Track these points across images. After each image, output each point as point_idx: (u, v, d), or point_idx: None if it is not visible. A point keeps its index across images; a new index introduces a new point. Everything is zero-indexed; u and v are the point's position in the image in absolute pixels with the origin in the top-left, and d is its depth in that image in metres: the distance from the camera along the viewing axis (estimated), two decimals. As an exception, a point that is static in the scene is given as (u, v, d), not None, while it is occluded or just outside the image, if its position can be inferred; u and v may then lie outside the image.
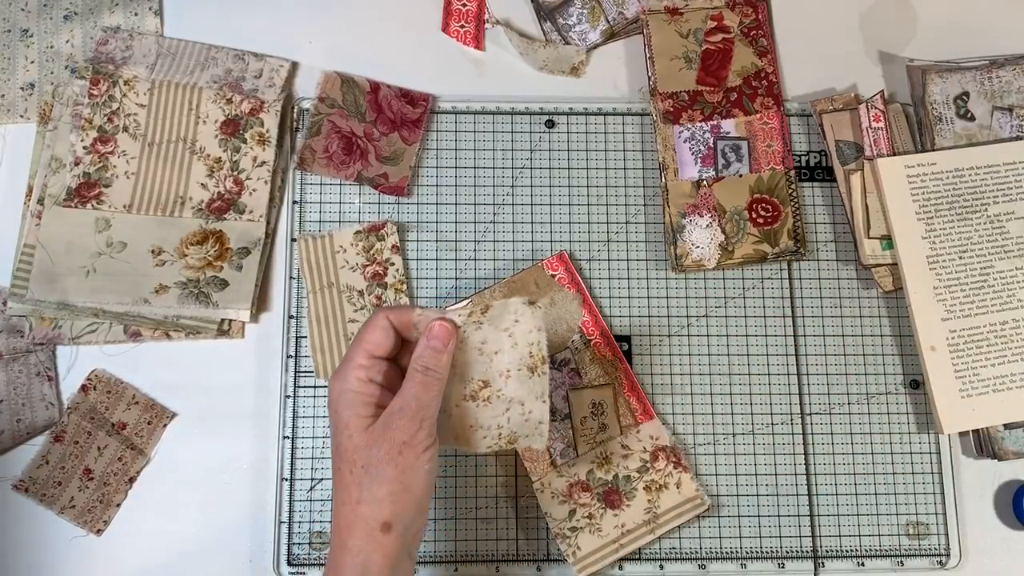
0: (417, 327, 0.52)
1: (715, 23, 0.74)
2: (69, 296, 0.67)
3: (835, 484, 0.68)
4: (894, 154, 0.71)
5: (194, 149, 0.71)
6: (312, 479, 0.67)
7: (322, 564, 0.65)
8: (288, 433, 0.67)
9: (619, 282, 0.71)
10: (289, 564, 0.65)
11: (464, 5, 0.76)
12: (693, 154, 0.72)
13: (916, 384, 0.70)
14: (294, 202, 0.71)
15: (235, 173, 0.71)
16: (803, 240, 0.71)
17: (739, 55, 0.74)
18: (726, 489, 0.67)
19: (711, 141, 0.72)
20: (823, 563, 0.67)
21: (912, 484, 0.68)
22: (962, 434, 0.69)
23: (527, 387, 0.53)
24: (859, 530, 0.67)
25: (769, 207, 0.71)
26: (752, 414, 0.69)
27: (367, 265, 0.69)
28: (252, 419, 0.68)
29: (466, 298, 0.69)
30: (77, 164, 0.69)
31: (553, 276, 0.70)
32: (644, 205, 0.72)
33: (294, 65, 0.74)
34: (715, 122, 0.73)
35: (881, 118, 0.72)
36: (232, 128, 0.71)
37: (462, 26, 0.76)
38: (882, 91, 0.73)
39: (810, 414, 0.69)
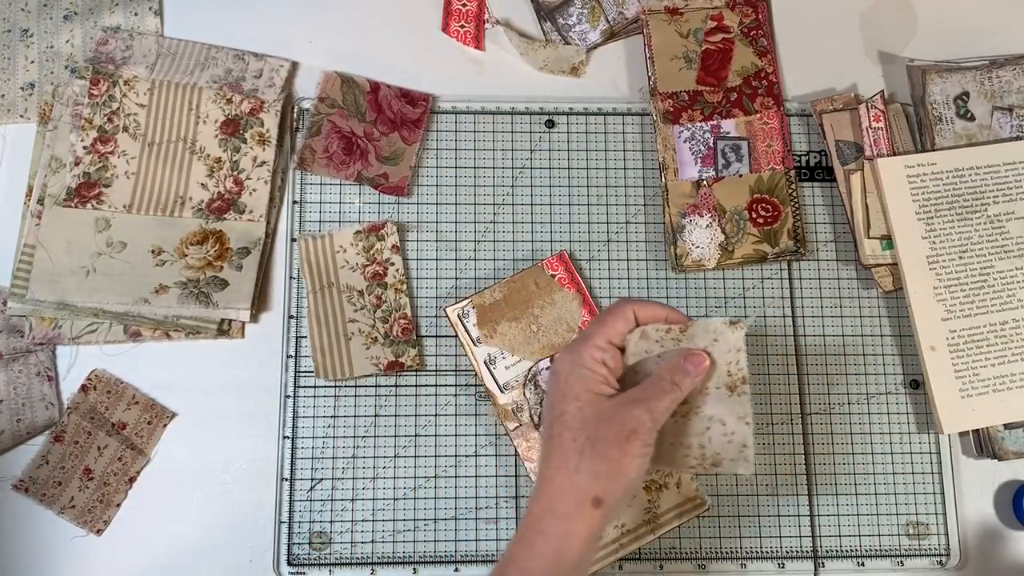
0: (647, 337, 0.53)
1: (715, 23, 0.74)
2: (69, 296, 0.67)
3: (835, 484, 0.68)
4: (894, 154, 0.71)
5: (194, 149, 0.71)
6: (312, 479, 0.67)
7: (322, 564, 0.65)
8: (288, 433, 0.67)
9: (619, 282, 0.71)
10: (289, 564, 0.65)
11: (464, 5, 0.76)
12: (693, 154, 0.72)
13: (916, 384, 0.70)
14: (294, 202, 0.71)
15: (235, 173, 0.71)
16: (803, 240, 0.71)
17: (739, 55, 0.74)
18: (726, 489, 0.67)
19: (711, 141, 0.72)
20: (823, 563, 0.67)
21: (912, 484, 0.68)
22: (962, 434, 0.69)
23: (726, 406, 0.52)
24: (859, 530, 0.67)
25: (769, 207, 0.71)
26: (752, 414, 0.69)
27: (367, 265, 0.69)
28: (252, 419, 0.68)
29: (466, 298, 0.69)
30: (77, 164, 0.69)
31: (553, 276, 0.70)
32: (644, 205, 0.72)
33: (294, 65, 0.74)
34: (715, 122, 0.73)
35: (881, 118, 0.72)
36: (232, 128, 0.71)
37: (462, 26, 0.76)
38: (882, 91, 0.73)
39: (810, 414, 0.69)
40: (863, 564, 0.67)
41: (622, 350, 0.54)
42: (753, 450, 0.52)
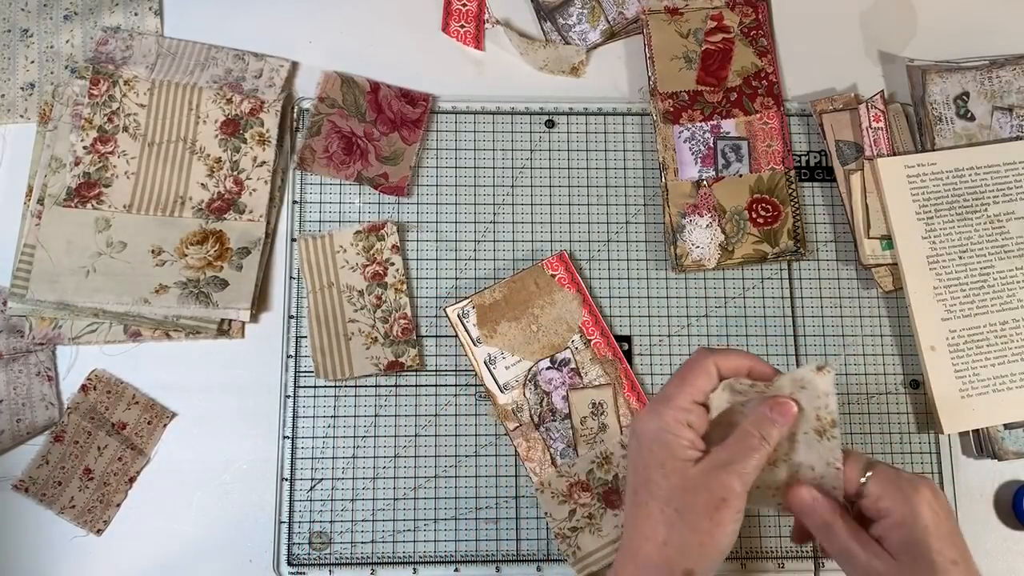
0: (732, 390, 0.51)
1: (715, 23, 0.74)
2: (69, 296, 0.67)
3: (835, 484, 0.68)
4: (894, 154, 0.71)
5: (194, 149, 0.71)
6: (312, 479, 0.67)
7: (322, 564, 0.65)
8: (288, 433, 0.67)
9: (619, 282, 0.71)
10: (289, 564, 0.65)
11: (464, 5, 0.76)
12: (693, 154, 0.72)
13: (916, 384, 0.70)
14: (294, 202, 0.71)
15: (235, 173, 0.71)
16: (803, 240, 0.71)
17: (739, 55, 0.74)
18: (726, 489, 0.67)
19: (711, 141, 0.72)
20: (823, 563, 0.67)
21: (912, 484, 0.68)
22: (962, 434, 0.69)
23: (816, 451, 0.50)
24: (859, 530, 0.67)
25: (769, 207, 0.71)
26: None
27: (367, 265, 0.69)
28: (252, 419, 0.68)
29: (466, 298, 0.69)
30: (77, 164, 0.69)
31: (553, 276, 0.70)
32: (644, 205, 0.72)
33: (294, 65, 0.74)
34: (715, 122, 0.73)
35: (881, 118, 0.72)
36: (232, 128, 0.71)
37: (462, 26, 0.76)
38: (882, 91, 0.73)
39: (810, 414, 0.69)
40: (863, 564, 0.67)
41: (706, 406, 0.51)
42: (842, 492, 0.50)
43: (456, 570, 0.66)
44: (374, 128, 0.72)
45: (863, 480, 0.49)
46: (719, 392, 0.51)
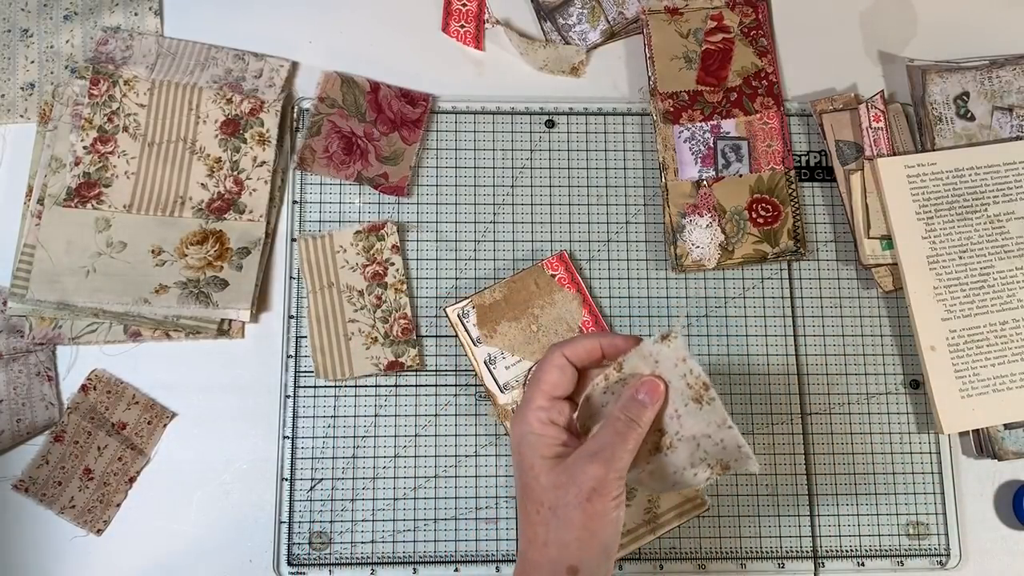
0: (594, 382, 0.50)
1: (715, 23, 0.74)
2: (69, 296, 0.67)
3: (835, 484, 0.68)
4: (894, 154, 0.71)
5: (194, 149, 0.71)
6: (312, 479, 0.67)
7: (322, 564, 0.65)
8: (288, 433, 0.67)
9: (619, 282, 0.71)
10: (289, 564, 0.65)
11: (464, 5, 0.76)
12: (693, 154, 0.72)
13: (916, 384, 0.70)
14: (294, 202, 0.71)
15: (235, 173, 0.71)
16: (803, 240, 0.71)
17: (739, 55, 0.74)
18: (726, 489, 0.67)
19: (711, 141, 0.72)
20: (823, 563, 0.67)
21: (912, 484, 0.68)
22: (962, 434, 0.69)
23: (702, 419, 0.49)
24: (859, 530, 0.67)
25: (769, 207, 0.71)
26: (752, 414, 0.69)
27: (367, 265, 0.69)
28: (252, 419, 0.68)
29: (466, 298, 0.69)
30: (77, 164, 0.69)
31: (553, 276, 0.70)
32: (644, 205, 0.72)
33: (294, 65, 0.74)
34: (715, 122, 0.73)
35: (881, 118, 0.72)
36: (232, 128, 0.71)
37: (462, 26, 0.76)
38: (882, 91, 0.73)
39: (810, 414, 0.69)
40: (863, 564, 0.67)
41: (572, 400, 0.51)
42: (749, 447, 0.49)
43: (456, 570, 0.66)
44: (374, 128, 0.72)
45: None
46: (597, 385, 0.50)
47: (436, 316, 0.70)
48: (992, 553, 0.68)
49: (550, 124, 0.74)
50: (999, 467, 0.69)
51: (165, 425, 0.67)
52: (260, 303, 0.70)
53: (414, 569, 0.66)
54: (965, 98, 0.73)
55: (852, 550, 0.67)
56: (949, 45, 0.76)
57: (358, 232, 0.70)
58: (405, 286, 0.69)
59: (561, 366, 0.50)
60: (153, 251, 0.69)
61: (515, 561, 0.65)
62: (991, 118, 0.72)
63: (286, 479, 0.67)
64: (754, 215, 0.71)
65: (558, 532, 0.47)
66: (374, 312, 0.69)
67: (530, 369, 0.68)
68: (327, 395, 0.68)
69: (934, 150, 0.72)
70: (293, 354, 0.68)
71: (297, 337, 0.69)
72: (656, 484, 0.52)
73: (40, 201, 0.69)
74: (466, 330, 0.68)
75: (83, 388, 0.67)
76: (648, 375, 0.49)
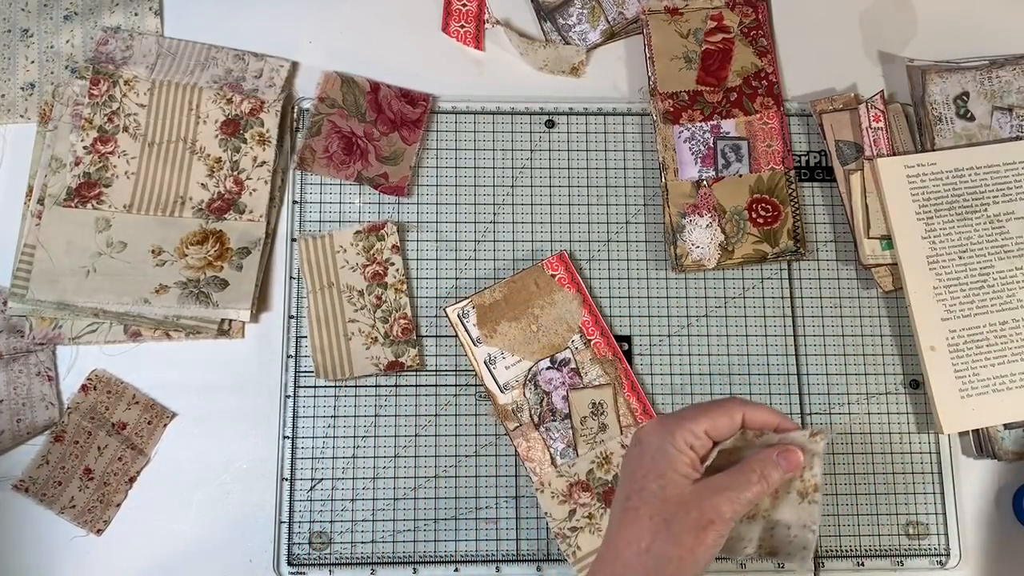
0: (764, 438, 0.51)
1: (715, 23, 0.74)
2: (69, 296, 0.67)
3: (835, 484, 0.68)
4: (894, 154, 0.71)
5: (194, 149, 0.71)
6: (312, 479, 0.67)
7: (322, 564, 0.65)
8: (288, 433, 0.67)
9: (619, 282, 0.71)
10: (289, 564, 0.65)
11: (464, 5, 0.76)
12: (693, 154, 0.72)
13: (916, 384, 0.70)
14: (294, 202, 0.71)
15: (235, 173, 0.71)
16: (803, 240, 0.71)
17: (739, 55, 0.74)
18: (726, 489, 0.67)
19: (711, 141, 0.72)
20: (823, 563, 0.67)
21: (912, 484, 0.68)
22: (962, 434, 0.69)
23: (795, 512, 0.51)
24: (859, 530, 0.67)
25: (769, 207, 0.71)
26: (752, 414, 0.69)
27: (367, 265, 0.69)
28: (252, 419, 0.68)
29: (466, 298, 0.69)
30: (77, 164, 0.69)
31: (553, 276, 0.70)
32: (644, 205, 0.73)
33: (294, 65, 0.74)
34: (715, 122, 0.73)
35: (881, 118, 0.72)
36: (232, 128, 0.71)
37: (462, 26, 0.76)
38: (882, 91, 0.73)
39: (810, 414, 0.69)
40: (863, 564, 0.67)
41: (715, 443, 0.51)
42: (812, 553, 0.50)
43: (456, 570, 0.66)
44: (374, 128, 0.72)
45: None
46: (734, 440, 0.51)
47: (436, 316, 0.70)
48: (992, 553, 0.68)
49: (550, 124, 0.74)
50: (999, 467, 0.69)
51: (165, 425, 0.67)
52: (260, 303, 0.70)
53: (414, 569, 0.66)
54: (965, 98, 0.73)
55: (851, 550, 0.67)
56: (949, 45, 0.76)
57: (358, 232, 0.70)
58: (405, 286, 0.69)
59: (734, 420, 0.51)
60: (153, 251, 0.69)
61: (516, 561, 0.66)
62: (991, 118, 0.72)
63: (286, 479, 0.67)
64: (754, 215, 0.71)
65: (664, 544, 0.48)
66: (374, 312, 0.69)
67: (530, 369, 0.68)
68: (327, 395, 0.68)
69: (934, 150, 0.72)
70: (293, 354, 0.69)
71: (297, 337, 0.69)
72: None
73: (40, 201, 0.69)
74: (466, 330, 0.68)
75: (83, 388, 0.67)
76: (793, 446, 0.51)
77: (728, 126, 0.72)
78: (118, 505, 0.66)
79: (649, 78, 0.74)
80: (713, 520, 0.48)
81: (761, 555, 0.52)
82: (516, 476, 0.67)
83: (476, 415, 0.68)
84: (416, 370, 0.69)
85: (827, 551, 0.67)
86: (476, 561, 0.66)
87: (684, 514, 0.48)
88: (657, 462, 0.50)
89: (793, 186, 0.72)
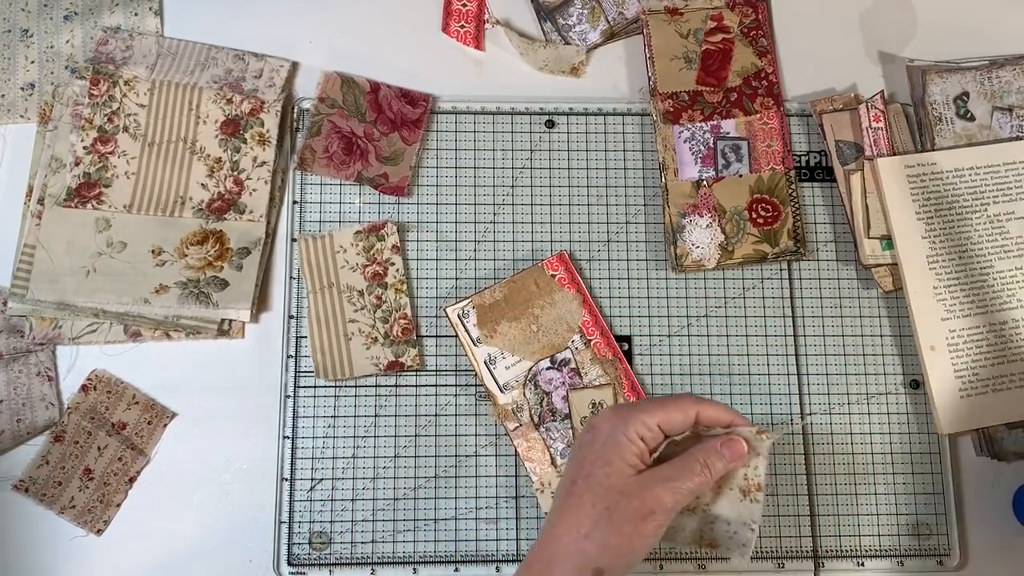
0: (712, 430, 0.52)
1: (715, 23, 0.74)
2: (69, 296, 0.67)
3: (835, 484, 0.68)
4: (894, 154, 0.71)
5: (194, 149, 0.71)
6: (312, 479, 0.67)
7: (322, 564, 0.65)
8: (288, 433, 0.67)
9: (619, 282, 0.71)
10: (289, 564, 0.65)
11: (464, 5, 0.76)
12: (693, 154, 0.72)
13: (916, 384, 0.70)
14: (294, 202, 0.71)
15: (235, 173, 0.71)
16: (803, 240, 0.71)
17: (739, 55, 0.74)
18: (726, 489, 0.67)
19: (711, 141, 0.72)
20: (823, 563, 0.67)
21: (912, 484, 0.68)
22: (962, 434, 0.69)
23: (736, 509, 0.52)
24: (859, 530, 0.67)
25: (769, 207, 0.71)
26: (752, 414, 0.69)
27: (367, 265, 0.69)
28: (252, 419, 0.68)
29: (466, 298, 0.69)
30: (77, 164, 0.69)
31: (553, 276, 0.70)
32: (644, 205, 0.72)
33: (294, 65, 0.74)
34: (715, 122, 0.73)
35: (881, 118, 0.72)
36: (232, 128, 0.71)
37: (462, 26, 0.76)
38: (882, 91, 0.73)
39: (810, 414, 0.69)
40: (863, 564, 0.67)
41: (667, 436, 0.52)
42: (751, 549, 0.51)
43: (456, 570, 0.66)
44: (374, 128, 0.72)
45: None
46: (683, 434, 0.52)
47: (436, 316, 0.70)
48: (992, 553, 0.68)
49: (550, 124, 0.74)
50: (999, 467, 0.69)
51: (165, 425, 0.67)
52: (260, 303, 0.70)
53: (414, 569, 0.66)
54: (965, 98, 0.73)
55: (852, 550, 0.67)
56: (949, 45, 0.76)
57: (358, 232, 0.70)
58: (405, 286, 0.69)
59: (688, 416, 0.52)
60: (153, 251, 0.69)
61: (516, 561, 0.66)
62: (991, 118, 0.72)
63: (286, 479, 0.67)
64: (754, 215, 0.71)
65: (605, 533, 0.48)
66: (374, 312, 0.69)
67: (530, 369, 0.68)
68: (327, 395, 0.68)
69: (934, 150, 0.72)
70: (293, 354, 0.69)
71: (297, 337, 0.69)
72: None
73: (40, 201, 0.69)
74: (466, 330, 0.68)
75: (83, 388, 0.67)
76: (734, 436, 0.52)
77: (728, 126, 0.72)
78: (118, 505, 0.66)
79: (649, 78, 0.74)
80: (654, 510, 0.49)
81: (701, 546, 0.53)
82: (516, 476, 0.67)
83: (476, 415, 0.68)
84: (416, 370, 0.69)
85: (827, 551, 0.67)
86: (476, 561, 0.66)
87: (626, 503, 0.49)
88: (606, 449, 0.51)
89: (793, 186, 0.72)
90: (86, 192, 0.69)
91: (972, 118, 0.72)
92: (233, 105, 0.72)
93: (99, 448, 0.66)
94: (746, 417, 0.54)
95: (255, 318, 0.69)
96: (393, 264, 0.70)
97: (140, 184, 0.70)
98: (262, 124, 0.72)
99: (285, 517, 0.66)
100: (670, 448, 0.52)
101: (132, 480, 0.66)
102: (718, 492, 0.52)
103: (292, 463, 0.67)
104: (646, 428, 0.51)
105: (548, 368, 0.68)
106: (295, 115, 0.73)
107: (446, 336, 0.69)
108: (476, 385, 0.69)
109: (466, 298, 0.69)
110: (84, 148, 0.70)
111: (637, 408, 0.52)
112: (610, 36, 0.76)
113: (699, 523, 0.53)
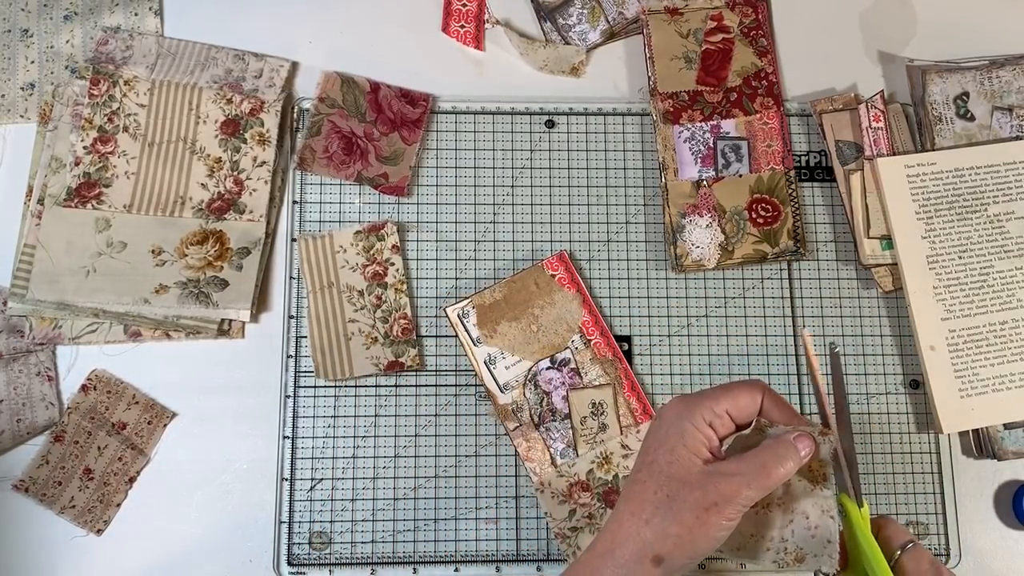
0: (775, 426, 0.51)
1: (715, 23, 0.74)
2: (69, 296, 0.67)
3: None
4: (894, 154, 0.71)
5: (194, 149, 0.71)
6: (312, 479, 0.67)
7: (322, 564, 0.65)
8: (288, 433, 0.67)
9: (619, 282, 0.71)
10: (289, 564, 0.65)
11: (464, 5, 0.76)
12: (693, 154, 0.72)
13: (916, 384, 0.70)
14: (294, 202, 0.71)
15: (235, 173, 0.71)
16: (803, 240, 0.71)
17: (739, 55, 0.74)
18: (726, 489, 0.67)
19: (711, 141, 0.72)
20: (823, 563, 0.66)
21: (912, 484, 0.68)
22: (962, 434, 0.69)
23: (811, 499, 0.50)
24: (859, 530, 0.67)
25: (769, 207, 0.71)
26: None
27: (367, 265, 0.69)
28: (252, 419, 0.68)
29: (466, 298, 0.69)
30: (77, 164, 0.69)
31: (553, 276, 0.70)
32: (644, 205, 0.73)
33: (294, 65, 0.74)
34: (715, 122, 0.73)
35: (881, 118, 0.72)
36: (232, 128, 0.71)
37: (462, 26, 0.76)
38: (882, 91, 0.73)
39: (810, 414, 0.69)
40: (863, 564, 0.67)
41: (736, 424, 0.51)
42: (837, 546, 0.49)
43: (456, 570, 0.66)
44: (374, 128, 0.72)
45: (898, 551, 0.50)
46: (750, 429, 0.51)
47: (436, 316, 0.70)
48: (992, 553, 0.68)
49: (550, 124, 0.74)
50: (999, 467, 0.69)
51: (165, 425, 0.67)
52: (260, 303, 0.70)
53: (414, 569, 0.66)
54: (965, 98, 0.73)
55: (852, 550, 0.67)
56: (949, 45, 0.76)
57: (358, 232, 0.70)
58: (405, 286, 0.69)
59: (755, 403, 0.51)
60: (153, 251, 0.69)
61: (516, 561, 0.66)
62: (991, 118, 0.72)
63: (286, 479, 0.67)
64: (754, 215, 0.71)
65: (664, 521, 0.47)
66: (374, 312, 0.69)
67: (530, 369, 0.68)
68: (327, 395, 0.68)
69: (934, 150, 0.72)
70: (293, 354, 0.69)
71: (297, 337, 0.69)
72: (734, 537, 0.51)
73: (40, 201, 0.69)
74: (466, 330, 0.68)
75: (83, 388, 0.67)
76: (806, 431, 0.50)
77: (728, 126, 0.72)
78: (118, 505, 0.66)
79: (649, 78, 0.74)
80: (717, 503, 0.47)
81: (787, 561, 0.50)
82: (516, 476, 0.67)
83: (476, 415, 0.68)
84: (416, 370, 0.69)
85: (827, 551, 0.67)
86: (476, 561, 0.66)
87: (687, 492, 0.47)
88: (670, 436, 0.49)
89: (793, 186, 0.72)
90: (86, 192, 0.69)
91: (972, 118, 0.72)
92: (233, 105, 0.72)
93: (99, 448, 0.66)
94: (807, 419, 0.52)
95: (255, 318, 0.69)
96: (393, 264, 0.70)
97: (140, 184, 0.70)
98: (262, 124, 0.72)
99: (285, 517, 0.66)
100: (739, 443, 0.50)
101: (132, 480, 0.66)
102: (789, 487, 0.50)
103: (292, 463, 0.67)
104: (713, 415, 0.49)
105: (548, 368, 0.68)
106: (295, 115, 0.73)
107: (446, 336, 0.69)
108: (476, 385, 0.69)
109: (466, 298, 0.69)
110: (84, 148, 0.70)
111: (703, 395, 0.51)
112: (610, 36, 0.76)
113: (779, 526, 0.50)
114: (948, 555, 0.67)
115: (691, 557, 0.48)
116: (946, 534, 0.67)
